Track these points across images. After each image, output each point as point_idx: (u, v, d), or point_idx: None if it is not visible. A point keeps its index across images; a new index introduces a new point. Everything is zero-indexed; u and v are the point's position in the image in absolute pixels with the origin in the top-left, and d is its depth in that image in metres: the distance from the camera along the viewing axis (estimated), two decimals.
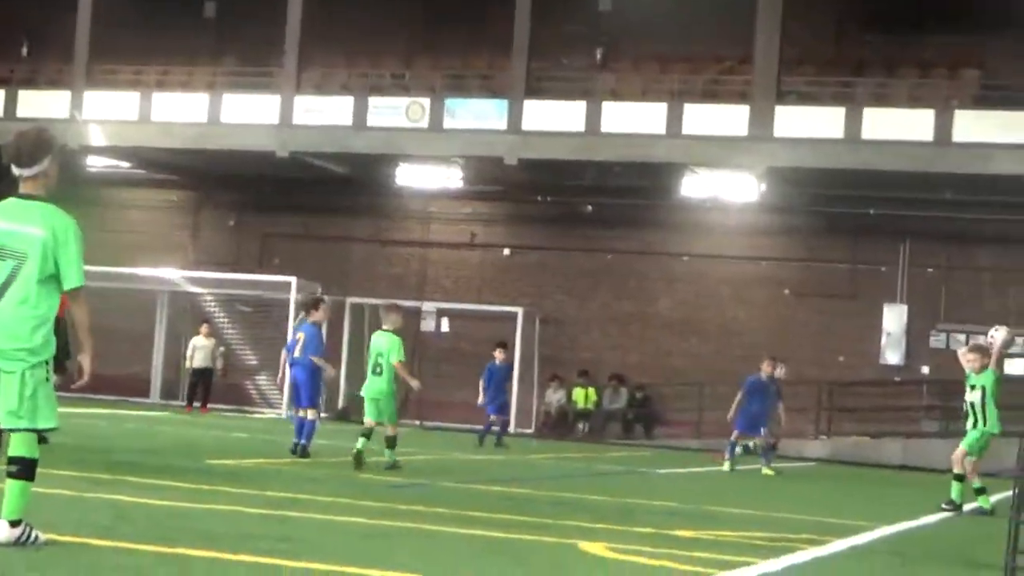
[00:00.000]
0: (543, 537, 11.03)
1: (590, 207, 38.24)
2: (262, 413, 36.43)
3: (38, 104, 37.23)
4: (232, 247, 40.16)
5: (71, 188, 39.09)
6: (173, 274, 39.15)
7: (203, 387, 34.86)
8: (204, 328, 35.40)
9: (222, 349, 36.67)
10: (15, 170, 8.53)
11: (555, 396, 37.87)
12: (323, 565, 8.36)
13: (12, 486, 8.13)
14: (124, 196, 41.52)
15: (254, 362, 37.86)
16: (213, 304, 38.74)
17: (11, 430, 8.22)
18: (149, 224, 41.18)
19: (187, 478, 11.83)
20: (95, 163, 40.45)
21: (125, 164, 40.42)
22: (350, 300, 37.87)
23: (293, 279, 35.73)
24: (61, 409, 8.47)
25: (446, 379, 36.90)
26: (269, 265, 39.05)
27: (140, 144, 37.22)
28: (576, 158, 34.13)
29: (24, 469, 8.16)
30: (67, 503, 11.04)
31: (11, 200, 8.50)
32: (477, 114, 34.54)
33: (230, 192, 40.66)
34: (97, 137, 36.70)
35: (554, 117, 33.88)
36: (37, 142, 8.59)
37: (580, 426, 37.67)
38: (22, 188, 8.55)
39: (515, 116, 33.84)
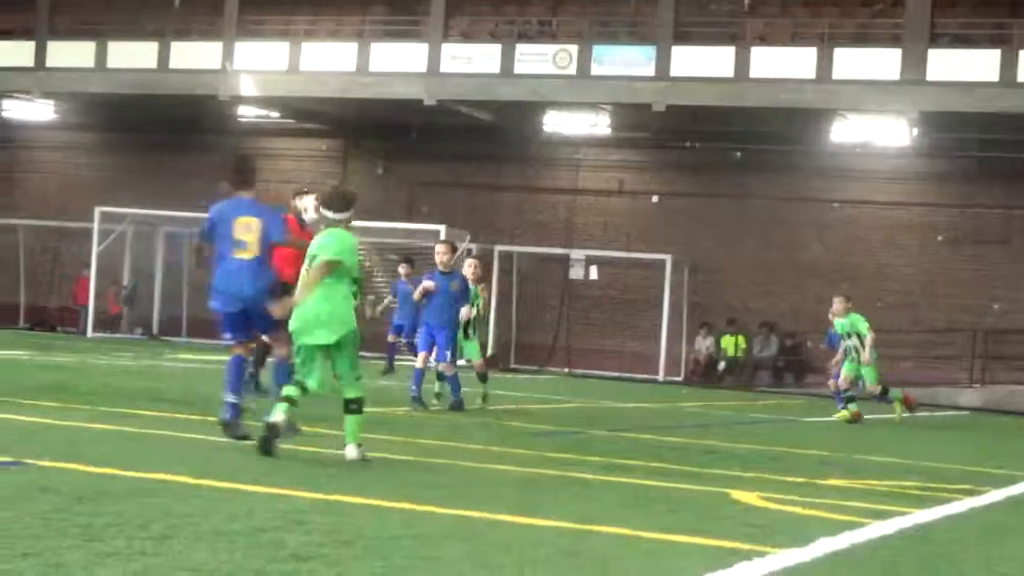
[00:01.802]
0: (694, 486, 11.02)
1: (739, 153, 37.90)
2: (410, 362, 36.59)
3: (190, 56, 37.67)
4: (381, 196, 40.39)
5: (222, 138, 39.92)
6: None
7: None
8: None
9: (371, 297, 36.96)
10: (326, 211, 11.34)
11: (704, 344, 37.72)
12: (475, 513, 8.42)
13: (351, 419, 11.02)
14: (274, 146, 41.94)
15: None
16: (362, 252, 38.97)
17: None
18: (299, 174, 41.53)
19: (337, 425, 11.94)
20: (246, 113, 40.98)
21: (275, 114, 40.86)
22: (498, 248, 38.00)
23: (442, 227, 35.89)
24: None
25: (594, 327, 36.93)
26: (418, 213, 39.27)
27: (289, 94, 37.56)
28: (724, 104, 33.82)
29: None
30: (224, 450, 11.24)
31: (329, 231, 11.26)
32: (625, 61, 34.33)
33: (378, 140, 40.91)
34: (247, 87, 37.09)
35: (702, 63, 33.58)
36: (347, 198, 11.43)
37: (729, 374, 37.48)
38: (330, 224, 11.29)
39: (663, 62, 33.60)
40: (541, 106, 36.24)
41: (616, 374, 35.76)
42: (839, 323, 22.61)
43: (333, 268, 10.99)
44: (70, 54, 38.69)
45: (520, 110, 36.62)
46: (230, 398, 11.89)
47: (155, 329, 40.65)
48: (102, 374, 21.22)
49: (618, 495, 10.19)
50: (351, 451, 10.91)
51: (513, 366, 37.28)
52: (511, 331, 38.39)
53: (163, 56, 37.94)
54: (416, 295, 18.75)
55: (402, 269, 27.81)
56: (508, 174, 39.53)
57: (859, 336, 22.34)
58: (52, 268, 41.99)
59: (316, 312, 10.92)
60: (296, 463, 10.72)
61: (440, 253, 18.65)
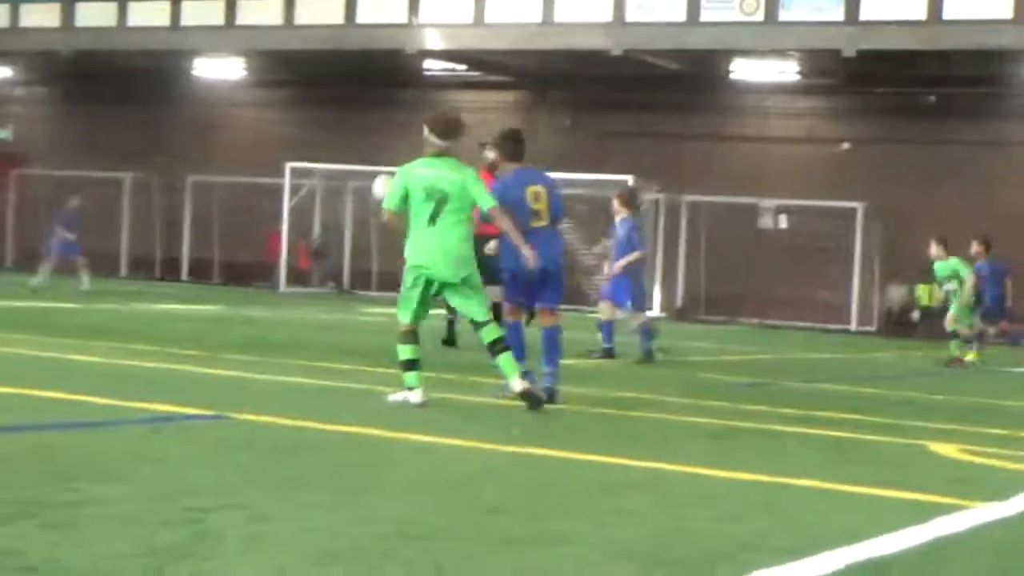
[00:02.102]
0: (891, 438, 10.86)
1: (932, 98, 37.14)
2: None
3: (376, 10, 37.94)
4: (568, 147, 40.35)
5: (409, 93, 40.08)
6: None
7: None
8: None
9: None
10: (436, 139, 11.21)
11: (897, 293, 37.12)
12: (669, 465, 8.41)
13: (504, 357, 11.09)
14: (460, 99, 42.07)
15: (592, 262, 38.11)
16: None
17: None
18: (486, 127, 41.49)
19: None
20: (432, 67, 41.20)
21: (461, 67, 41.03)
22: (686, 198, 37.81)
23: (630, 177, 35.78)
24: None
25: (784, 277, 36.57)
26: (605, 164, 39.16)
27: (475, 46, 37.65)
28: (917, 48, 33.14)
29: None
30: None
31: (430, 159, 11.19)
32: (813, 6, 33.78)
33: (565, 92, 40.86)
34: (433, 41, 37.29)
35: (893, 6, 32.90)
36: (457, 126, 11.40)
37: (924, 324, 36.81)
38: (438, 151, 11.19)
39: (852, 6, 32.99)
40: (728, 54, 35.88)
41: (807, 324, 35.38)
42: (939, 266, 22.70)
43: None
44: (259, 12, 39.25)
45: (707, 58, 36.29)
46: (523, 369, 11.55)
47: (346, 283, 41.23)
48: (295, 328, 21.58)
49: (813, 447, 10.10)
50: (516, 384, 10.98)
51: (703, 317, 37.11)
52: (700, 282, 38.18)
53: (350, 11, 38.28)
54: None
55: None
56: (695, 123, 39.21)
57: (959, 280, 22.45)
58: (245, 224, 42.71)
59: (445, 249, 10.99)
60: (489, 416, 10.80)
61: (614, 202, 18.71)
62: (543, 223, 11.98)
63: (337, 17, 38.11)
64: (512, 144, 12.45)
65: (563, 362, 12.25)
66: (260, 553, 5.29)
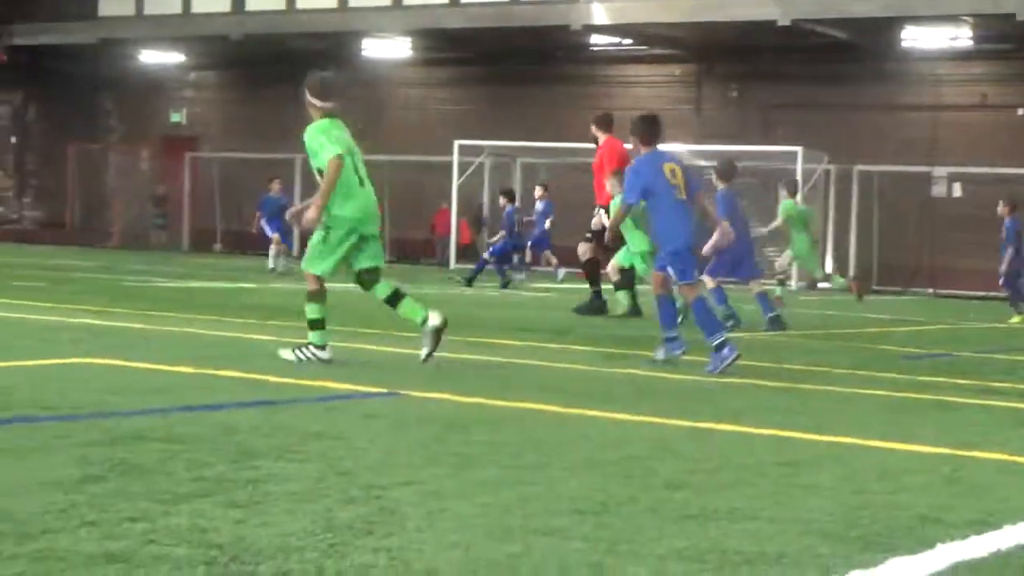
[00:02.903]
0: None
1: None
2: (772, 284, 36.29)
3: None
4: (735, 119, 40.07)
5: (576, 68, 40.04)
6: (678, 149, 39.44)
7: None
8: None
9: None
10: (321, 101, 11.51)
11: None
12: (846, 438, 8.32)
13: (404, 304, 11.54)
14: (627, 74, 42.03)
15: (762, 234, 37.77)
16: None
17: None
18: (652, 100, 41.45)
19: (702, 352, 11.98)
20: (598, 42, 41.12)
21: (627, 41, 40.90)
22: (858, 168, 37.32)
23: (799, 149, 35.43)
24: None
25: (958, 246, 35.92)
26: (773, 136, 38.79)
27: (641, 20, 37.50)
28: None
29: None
30: (590, 378, 11.40)
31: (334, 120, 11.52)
32: None
33: (732, 64, 40.55)
34: (600, 15, 37.22)
35: None
36: (340, 86, 11.94)
37: None
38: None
39: None
40: (898, 21, 35.30)
41: (982, 294, 34.70)
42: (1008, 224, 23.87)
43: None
44: None
45: (876, 26, 35.73)
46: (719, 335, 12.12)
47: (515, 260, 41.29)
48: (465, 304, 21.68)
49: (994, 419, 9.91)
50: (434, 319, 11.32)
51: (876, 288, 36.61)
52: (872, 253, 37.67)
53: None
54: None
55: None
56: (865, 92, 38.62)
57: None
58: (414, 202, 43.03)
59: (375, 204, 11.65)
60: (662, 391, 10.78)
61: None
62: (683, 197, 12.35)
63: None
64: (648, 127, 12.66)
65: (734, 335, 12.19)
66: (439, 530, 5.33)
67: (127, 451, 6.77)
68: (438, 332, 11.30)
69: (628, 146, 15.72)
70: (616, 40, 40.88)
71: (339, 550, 4.94)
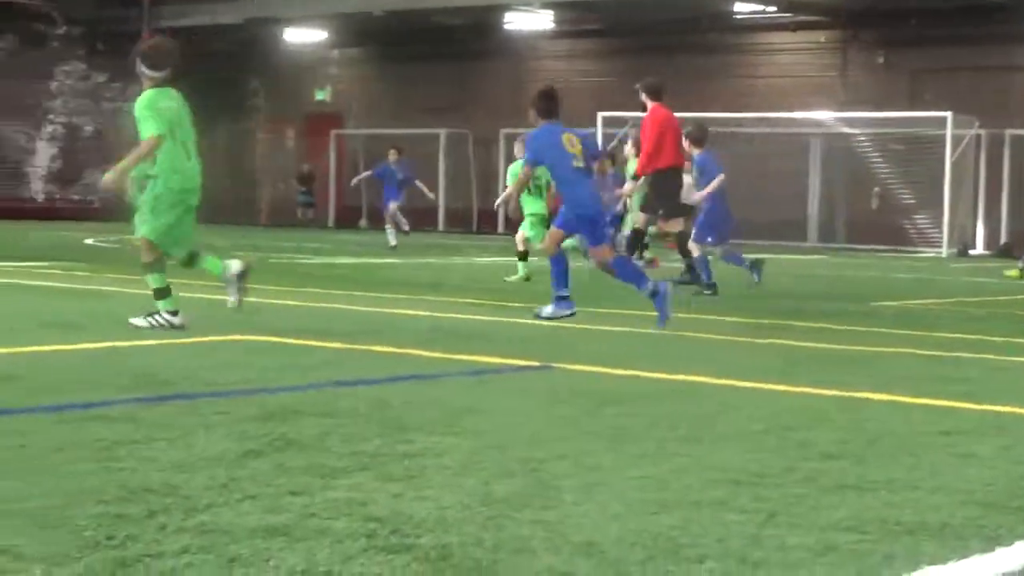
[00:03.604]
0: None
1: None
2: (921, 252, 35.93)
3: None
4: (881, 85, 39.49)
5: (721, 37, 39.67)
6: (824, 116, 39.08)
7: None
8: None
9: (877, 189, 36.52)
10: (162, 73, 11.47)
11: None
12: (1003, 408, 8.19)
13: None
14: (771, 41, 41.62)
15: (911, 201, 37.35)
16: (865, 144, 38.47)
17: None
18: (798, 67, 41.09)
19: (853, 320, 11.86)
20: (742, 10, 40.77)
21: (771, 8, 40.51)
22: (1009, 132, 36.63)
23: (948, 114, 34.87)
24: None
25: None
26: (920, 101, 38.19)
27: None
28: None
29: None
30: (742, 349, 11.35)
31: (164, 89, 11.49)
32: None
33: (877, 29, 39.95)
34: None
35: None
36: (170, 55, 11.69)
37: None
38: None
39: None
40: None
41: None
42: None
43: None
44: None
45: None
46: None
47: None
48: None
49: None
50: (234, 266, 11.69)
51: None
52: None
53: None
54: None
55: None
56: (1017, 53, 37.84)
57: None
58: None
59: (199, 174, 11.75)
60: (812, 361, 10.69)
61: None
62: (581, 165, 12.88)
63: None
64: (545, 101, 13.13)
65: (885, 303, 12.04)
66: (596, 503, 5.34)
67: (285, 426, 6.87)
68: (242, 276, 11.66)
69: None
70: (760, 7, 40.49)
71: (497, 523, 4.97)
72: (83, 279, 17.27)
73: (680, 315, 13.63)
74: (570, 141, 12.86)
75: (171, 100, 11.51)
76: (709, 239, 18.01)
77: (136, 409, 7.40)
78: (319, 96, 47.84)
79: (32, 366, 9.06)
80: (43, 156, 46.10)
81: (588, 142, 13.44)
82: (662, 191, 17.74)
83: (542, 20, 42.42)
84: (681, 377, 9.19)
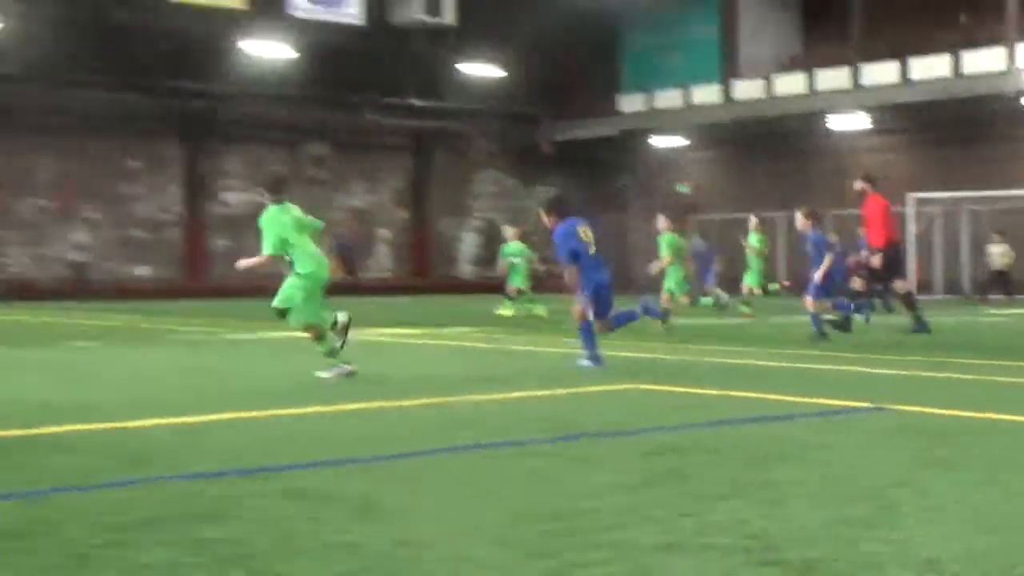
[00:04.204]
0: None
1: None
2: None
3: (977, 62, 36.57)
4: None
5: (1011, 128, 37.85)
6: None
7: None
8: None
9: None
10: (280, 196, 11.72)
11: None
12: None
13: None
14: None
15: None
16: None
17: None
18: None
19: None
20: None
21: None
22: None
23: None
24: None
25: None
26: None
27: None
28: None
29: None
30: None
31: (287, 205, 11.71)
32: None
33: None
34: None
35: None
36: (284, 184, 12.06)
37: None
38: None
39: None
40: None
41: None
42: None
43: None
44: (880, 73, 38.78)
45: None
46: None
47: (966, 289, 39.53)
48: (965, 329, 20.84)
49: None
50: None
51: None
52: None
53: (955, 65, 37.06)
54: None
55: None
56: None
57: None
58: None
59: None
60: None
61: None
62: (594, 251, 12.77)
63: (945, 71, 37.07)
64: (558, 205, 13.09)
65: None
66: (936, 524, 5.16)
67: (673, 460, 6.86)
68: (345, 327, 11.72)
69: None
70: None
71: (851, 541, 4.87)
72: (499, 340, 17.55)
73: (976, 361, 13.08)
74: (584, 232, 12.76)
75: (287, 212, 11.72)
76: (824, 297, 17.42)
77: (554, 447, 7.51)
78: (680, 189, 47.88)
79: (478, 413, 9.29)
80: (469, 243, 47.55)
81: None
82: (890, 260, 17.81)
83: (860, 121, 41.51)
84: (998, 416, 8.77)
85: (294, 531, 5.13)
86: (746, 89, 42.21)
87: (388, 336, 18.41)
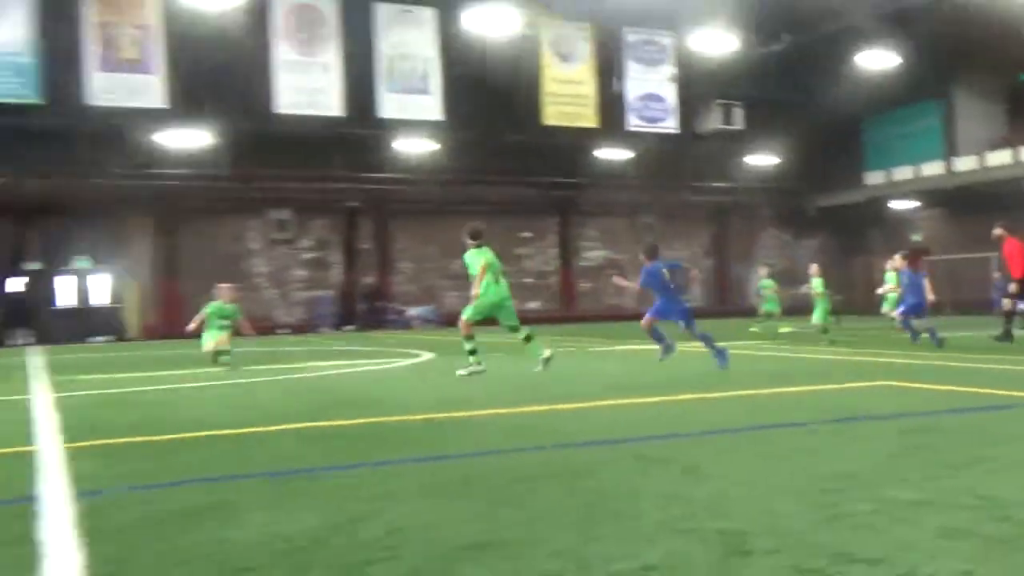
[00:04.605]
0: None
1: None
2: None
3: None
4: None
5: None
6: None
7: None
8: None
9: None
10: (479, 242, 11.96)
11: None
12: None
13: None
14: None
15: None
16: None
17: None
18: None
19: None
20: None
21: None
22: None
23: None
24: None
25: None
26: None
27: None
28: None
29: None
30: None
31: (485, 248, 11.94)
32: None
33: None
34: None
35: None
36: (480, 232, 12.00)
37: None
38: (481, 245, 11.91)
39: None
40: None
41: None
42: None
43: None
44: None
45: None
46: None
47: None
48: None
49: None
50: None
51: None
52: None
53: None
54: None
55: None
56: None
57: None
58: None
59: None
60: None
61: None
62: (672, 286, 12.37)
63: None
64: (651, 251, 12.58)
65: None
66: None
67: (922, 438, 6.33)
68: (547, 361, 11.96)
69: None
70: None
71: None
72: (773, 349, 16.73)
73: None
74: (663, 271, 12.43)
75: (485, 253, 11.96)
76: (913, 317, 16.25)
77: (829, 426, 7.08)
78: (914, 237, 44.90)
79: (771, 401, 8.81)
80: (752, 284, 46.25)
81: (673, 264, 12.81)
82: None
83: None
84: None
85: (639, 484, 5.08)
86: (964, 163, 39.28)
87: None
